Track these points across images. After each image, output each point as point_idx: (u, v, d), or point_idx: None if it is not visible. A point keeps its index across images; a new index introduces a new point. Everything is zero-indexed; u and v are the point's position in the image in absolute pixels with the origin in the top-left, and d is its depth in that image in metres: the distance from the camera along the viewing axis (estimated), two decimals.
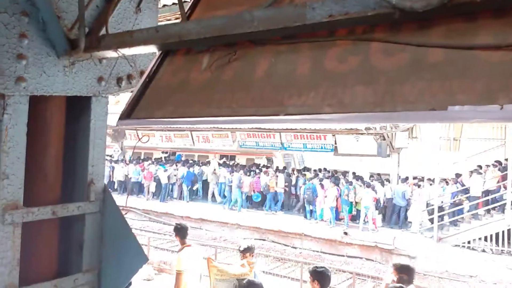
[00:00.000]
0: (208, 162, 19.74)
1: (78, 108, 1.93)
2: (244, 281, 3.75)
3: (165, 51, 1.67)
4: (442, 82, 1.05)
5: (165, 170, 17.78)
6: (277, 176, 15.75)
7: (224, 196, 16.92)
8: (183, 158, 21.80)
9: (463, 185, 13.39)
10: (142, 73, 2.08)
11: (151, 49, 1.61)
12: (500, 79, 0.93)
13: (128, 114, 1.55)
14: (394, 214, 14.15)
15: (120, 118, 1.55)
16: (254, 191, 16.06)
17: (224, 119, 1.37)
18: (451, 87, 1.03)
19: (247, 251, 4.41)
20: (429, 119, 0.99)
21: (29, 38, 1.67)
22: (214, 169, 17.80)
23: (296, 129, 16.14)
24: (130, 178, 18.59)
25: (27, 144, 1.69)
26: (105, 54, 1.72)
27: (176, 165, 18.63)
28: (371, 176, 15.67)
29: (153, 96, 1.58)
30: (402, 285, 3.51)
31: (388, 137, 14.75)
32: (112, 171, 19.33)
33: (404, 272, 3.73)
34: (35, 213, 1.68)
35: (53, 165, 1.82)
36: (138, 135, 19.97)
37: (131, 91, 1.95)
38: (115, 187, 18.77)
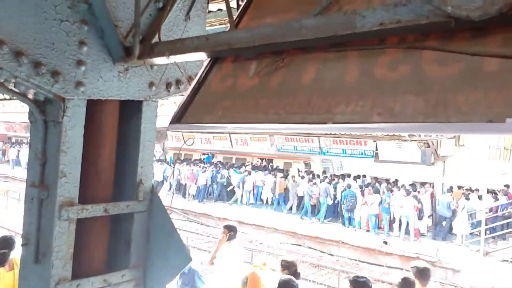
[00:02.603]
0: (243, 165, 19.75)
1: (130, 111, 2.02)
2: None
3: (214, 58, 1.72)
4: (499, 92, 1.02)
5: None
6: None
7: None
8: (213, 160, 22.08)
9: None
10: (190, 78, 2.15)
11: (201, 56, 1.67)
12: None
13: (179, 118, 1.61)
14: (438, 225, 13.62)
15: (171, 122, 1.61)
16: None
17: (271, 125, 1.39)
18: (509, 98, 0.99)
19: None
20: (486, 131, 0.96)
21: (88, 45, 1.78)
22: (293, 177, 16.66)
23: (335, 134, 15.92)
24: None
25: (84, 146, 1.80)
26: (157, 60, 1.80)
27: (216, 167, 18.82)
28: (411, 184, 15.16)
29: (202, 101, 1.63)
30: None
31: (433, 144, 14.21)
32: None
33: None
34: (89, 210, 1.77)
35: (106, 165, 1.91)
36: (183, 137, 20.44)
37: (180, 95, 2.02)
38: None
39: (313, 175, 16.83)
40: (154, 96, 2.02)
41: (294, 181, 16.31)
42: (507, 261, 11.64)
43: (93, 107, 1.87)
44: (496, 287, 11.03)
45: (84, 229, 1.84)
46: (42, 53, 1.65)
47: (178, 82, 2.13)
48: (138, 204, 1.92)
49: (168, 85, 2.08)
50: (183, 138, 19.73)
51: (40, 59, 1.64)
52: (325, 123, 1.25)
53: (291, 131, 14.64)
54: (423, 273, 4.09)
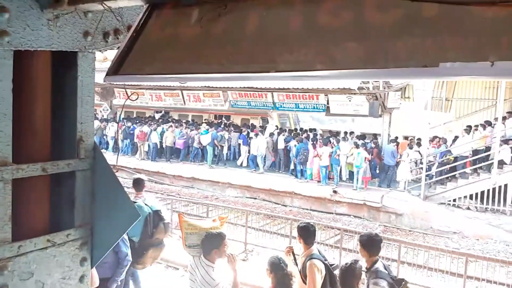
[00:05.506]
0: (194, 122, 19.52)
1: (64, 64, 1.88)
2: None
3: (152, 4, 1.61)
4: (435, 38, 1.04)
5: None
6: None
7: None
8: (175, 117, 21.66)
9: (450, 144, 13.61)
10: (129, 27, 2.01)
11: (137, 2, 1.55)
12: (492, 35, 0.92)
13: (115, 70, 1.52)
14: (382, 173, 14.44)
15: (107, 74, 1.51)
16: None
17: (214, 75, 1.34)
18: (443, 44, 1.01)
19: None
20: (421, 76, 0.98)
21: None
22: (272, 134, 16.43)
23: (288, 88, 16.01)
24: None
25: (15, 101, 1.66)
26: (90, 7, 1.65)
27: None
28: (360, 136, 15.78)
29: (141, 52, 1.54)
30: None
31: (380, 97, 14.74)
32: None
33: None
34: (25, 169, 1.67)
35: (42, 122, 1.79)
36: (127, 93, 19.63)
37: (118, 47, 1.90)
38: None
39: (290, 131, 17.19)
40: (90, 47, 1.88)
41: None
42: (444, 204, 12.70)
43: (22, 60, 1.71)
44: (433, 227, 12.08)
45: (23, 190, 1.74)
46: None
47: (116, 31, 1.98)
48: (79, 162, 1.84)
49: (106, 35, 1.94)
50: (127, 94, 18.86)
51: None
52: (268, 71, 1.22)
53: (234, 81, 14.49)
54: None
